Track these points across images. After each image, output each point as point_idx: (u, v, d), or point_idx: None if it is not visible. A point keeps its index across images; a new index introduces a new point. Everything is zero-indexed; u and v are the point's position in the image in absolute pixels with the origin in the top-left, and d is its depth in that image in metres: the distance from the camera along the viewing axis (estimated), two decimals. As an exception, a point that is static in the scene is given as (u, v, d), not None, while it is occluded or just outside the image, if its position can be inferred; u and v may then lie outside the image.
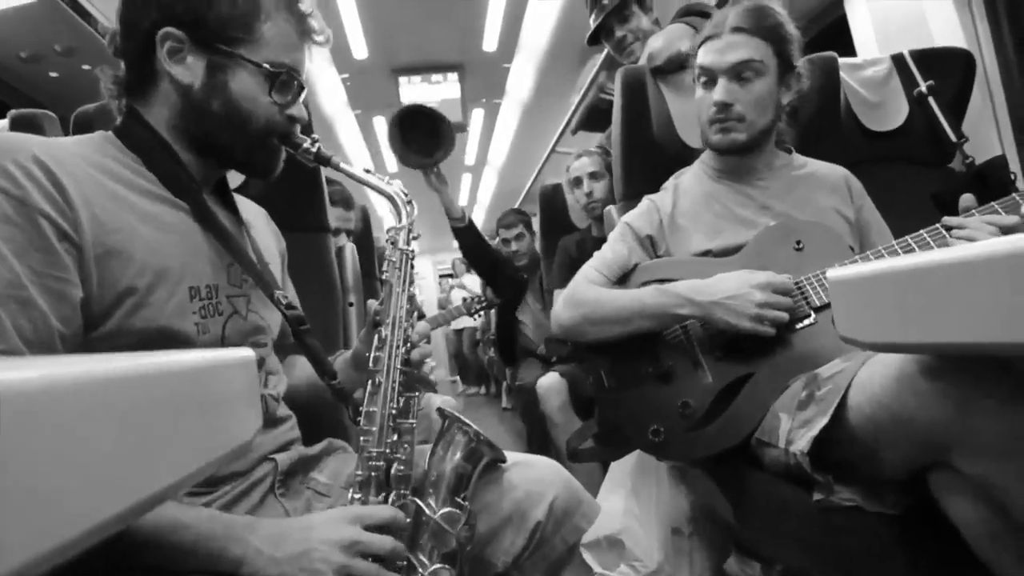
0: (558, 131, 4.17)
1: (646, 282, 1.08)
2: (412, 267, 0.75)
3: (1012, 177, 1.39)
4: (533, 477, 0.79)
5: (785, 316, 0.85)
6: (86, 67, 2.39)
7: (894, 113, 1.50)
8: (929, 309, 0.44)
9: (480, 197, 7.09)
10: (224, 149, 0.71)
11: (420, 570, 0.67)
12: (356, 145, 4.67)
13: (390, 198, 0.76)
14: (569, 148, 5.01)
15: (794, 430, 0.79)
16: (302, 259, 1.06)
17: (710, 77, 1.04)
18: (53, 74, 2.43)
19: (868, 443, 0.69)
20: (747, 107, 1.02)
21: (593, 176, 2.01)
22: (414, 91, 3.66)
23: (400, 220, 0.76)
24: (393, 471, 0.69)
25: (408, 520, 0.68)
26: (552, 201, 2.50)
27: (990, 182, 1.37)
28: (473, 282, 7.45)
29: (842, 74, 1.48)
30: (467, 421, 0.73)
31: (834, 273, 0.54)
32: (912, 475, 0.66)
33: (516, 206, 5.84)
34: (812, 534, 0.76)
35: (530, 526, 0.76)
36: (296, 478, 0.77)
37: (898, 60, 1.52)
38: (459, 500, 0.71)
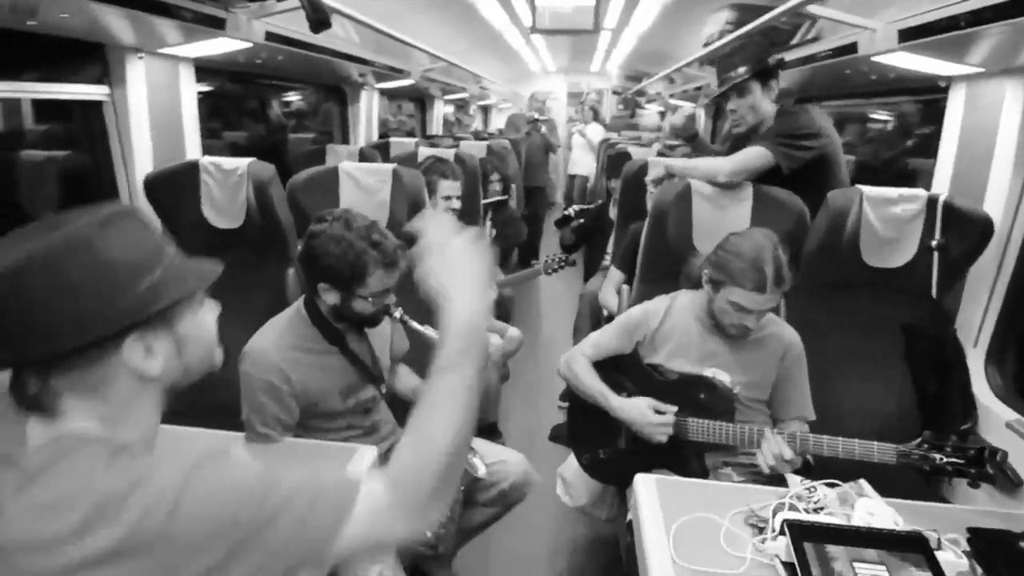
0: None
1: (613, 361, 1.66)
2: None
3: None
4: (505, 468, 1.60)
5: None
6: None
7: (900, 252, 1.66)
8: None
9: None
10: (355, 325, 1.43)
11: None
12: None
13: None
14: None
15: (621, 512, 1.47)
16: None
17: (745, 312, 1.43)
18: None
19: None
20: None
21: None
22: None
23: None
24: None
25: None
26: (635, 174, 2.80)
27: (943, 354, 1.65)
28: (595, 132, 7.45)
29: (866, 206, 1.67)
30: (475, 462, 1.48)
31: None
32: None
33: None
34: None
35: (498, 489, 1.60)
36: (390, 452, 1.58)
37: (931, 202, 1.62)
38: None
